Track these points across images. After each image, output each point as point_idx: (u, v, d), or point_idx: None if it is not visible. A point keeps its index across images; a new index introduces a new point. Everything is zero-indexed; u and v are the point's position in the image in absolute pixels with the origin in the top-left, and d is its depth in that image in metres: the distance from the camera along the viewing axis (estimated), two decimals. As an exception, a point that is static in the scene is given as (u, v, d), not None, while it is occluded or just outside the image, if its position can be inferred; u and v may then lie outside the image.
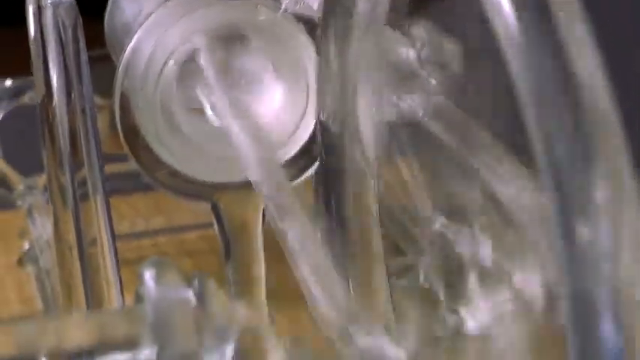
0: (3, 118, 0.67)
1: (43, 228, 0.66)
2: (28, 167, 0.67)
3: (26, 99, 0.66)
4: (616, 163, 0.23)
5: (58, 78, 0.44)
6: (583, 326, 0.23)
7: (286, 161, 0.47)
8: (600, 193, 0.23)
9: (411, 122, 0.40)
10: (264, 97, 0.46)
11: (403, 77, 0.41)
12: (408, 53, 0.41)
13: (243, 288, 0.48)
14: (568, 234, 0.23)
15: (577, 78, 0.24)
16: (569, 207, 0.23)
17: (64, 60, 0.43)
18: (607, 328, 0.23)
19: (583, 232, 0.23)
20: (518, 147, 0.34)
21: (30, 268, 0.68)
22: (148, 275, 0.34)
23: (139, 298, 0.34)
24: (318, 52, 0.44)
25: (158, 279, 0.34)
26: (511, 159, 0.36)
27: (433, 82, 0.40)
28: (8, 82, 0.66)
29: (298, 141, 0.47)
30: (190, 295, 0.34)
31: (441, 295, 0.37)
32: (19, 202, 0.69)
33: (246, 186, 0.43)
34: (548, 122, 0.24)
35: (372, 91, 0.41)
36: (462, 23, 0.36)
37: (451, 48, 0.41)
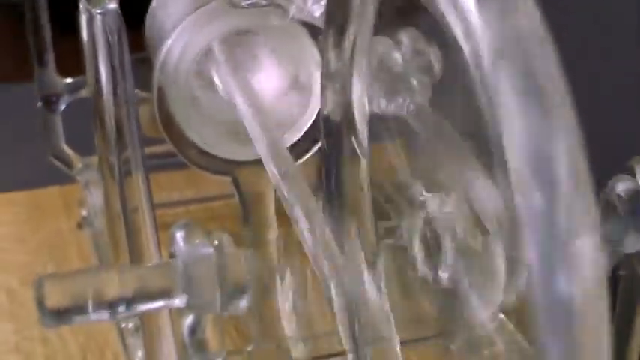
0: (65, 109, 0.67)
1: (97, 198, 0.66)
2: (86, 149, 0.66)
3: (82, 93, 0.65)
4: (570, 142, 0.23)
5: (106, 75, 0.43)
6: (541, 279, 0.22)
7: (292, 144, 0.47)
8: (555, 170, 0.22)
9: (398, 115, 0.40)
10: (274, 89, 0.46)
11: (391, 78, 0.40)
12: (395, 56, 0.40)
13: (258, 245, 0.47)
14: (528, 202, 0.22)
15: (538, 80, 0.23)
16: (529, 181, 0.22)
17: (111, 60, 0.42)
18: (560, 279, 0.22)
19: (540, 200, 0.22)
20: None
21: (87, 231, 0.68)
22: (178, 236, 0.34)
23: (171, 255, 0.34)
24: (320, 52, 0.44)
25: (186, 239, 0.34)
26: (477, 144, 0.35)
27: (415, 83, 0.40)
28: (68, 80, 0.66)
29: (302, 127, 0.46)
30: (213, 251, 0.33)
31: (418, 250, 0.36)
32: (78, 178, 0.69)
33: (261, 163, 0.43)
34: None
35: (364, 87, 0.40)
36: (444, 31, 0.35)
37: (433, 52, 0.41)
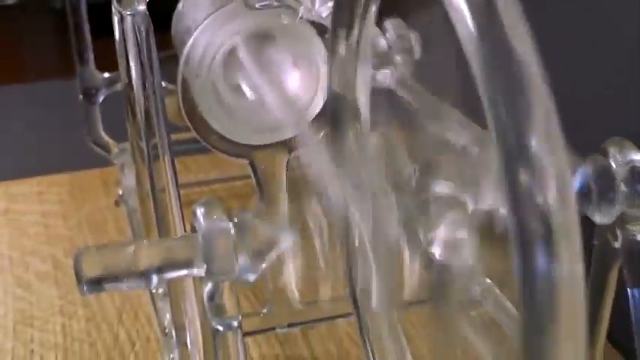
0: (103, 101, 0.67)
1: (131, 179, 0.66)
2: (121, 136, 0.66)
3: (118, 87, 0.66)
4: (548, 123, 0.22)
5: (135, 70, 0.43)
6: (523, 249, 0.22)
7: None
8: (536, 151, 0.22)
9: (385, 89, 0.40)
10: (286, 79, 0.45)
11: (379, 58, 0.40)
12: (382, 41, 0.40)
13: (272, 220, 0.46)
14: (511, 177, 0.22)
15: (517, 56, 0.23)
16: (512, 156, 0.22)
17: (140, 56, 0.42)
18: (540, 250, 0.22)
19: (523, 175, 0.22)
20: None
21: (123, 208, 0.68)
22: (199, 212, 0.33)
23: (192, 229, 0.33)
24: (326, 48, 0.44)
25: (207, 214, 0.33)
26: (458, 116, 0.35)
27: (399, 60, 0.39)
28: (106, 75, 0.66)
29: (313, 111, 0.46)
30: (231, 226, 0.33)
31: (415, 226, 0.35)
32: (115, 161, 0.69)
33: (274, 146, 0.44)
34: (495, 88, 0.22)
35: (367, 72, 0.40)
36: (422, 19, 0.35)
37: (413, 37, 0.41)
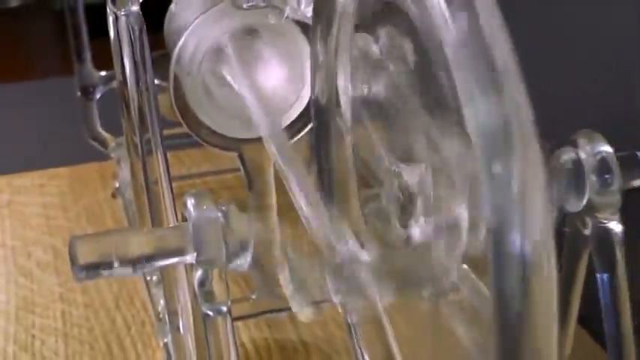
0: (100, 98, 0.66)
1: (127, 172, 0.65)
2: (118, 131, 0.66)
3: (114, 84, 0.65)
4: (522, 118, 0.22)
5: (129, 68, 0.42)
6: (498, 235, 0.22)
7: (288, 124, 0.46)
8: (510, 141, 0.22)
9: (376, 98, 0.39)
10: (272, 77, 0.45)
11: (371, 66, 0.39)
12: (374, 49, 0.40)
13: (260, 211, 0.47)
14: (488, 170, 0.22)
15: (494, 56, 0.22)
16: (488, 147, 0.22)
17: (134, 54, 0.42)
18: (515, 236, 0.22)
19: (497, 165, 0.22)
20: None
21: (120, 200, 0.67)
22: (189, 202, 0.33)
23: (183, 218, 0.33)
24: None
25: (196, 205, 0.33)
26: (444, 122, 0.34)
27: (392, 70, 0.39)
28: (103, 73, 0.66)
29: (297, 109, 0.46)
30: (219, 216, 0.33)
31: (396, 215, 0.35)
32: (112, 155, 0.69)
33: (262, 140, 0.42)
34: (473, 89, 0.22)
35: (347, 75, 0.40)
36: (414, 27, 0.35)
37: (405, 45, 0.40)
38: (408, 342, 0.44)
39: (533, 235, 0.22)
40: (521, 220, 0.22)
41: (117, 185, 0.68)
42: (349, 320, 0.44)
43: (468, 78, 0.22)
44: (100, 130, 0.68)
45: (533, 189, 0.22)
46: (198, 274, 0.33)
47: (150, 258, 0.32)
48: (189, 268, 0.34)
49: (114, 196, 0.69)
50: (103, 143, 0.68)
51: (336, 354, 0.52)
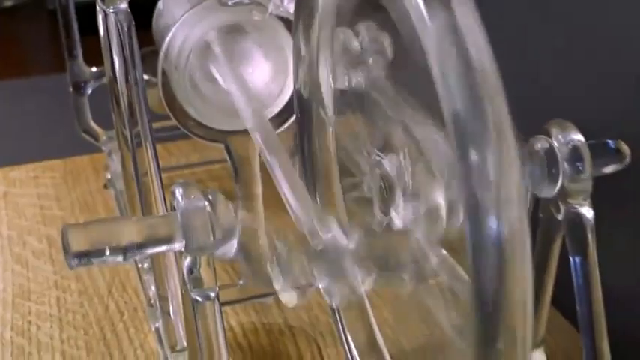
0: (91, 93, 0.66)
1: (118, 164, 0.65)
2: (109, 125, 0.66)
3: (105, 80, 0.65)
4: (498, 109, 0.22)
5: (119, 64, 0.42)
6: (475, 220, 0.22)
7: (273, 116, 0.46)
8: (486, 132, 0.22)
9: (356, 90, 0.39)
10: (256, 71, 0.45)
11: (352, 60, 0.39)
12: (354, 43, 0.39)
13: (247, 200, 0.46)
14: (464, 158, 0.22)
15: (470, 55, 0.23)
16: (466, 137, 0.22)
17: (123, 51, 0.42)
18: (491, 221, 0.22)
19: (474, 156, 0.22)
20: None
21: (111, 191, 0.67)
22: (178, 192, 0.33)
23: (172, 208, 0.33)
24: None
25: (184, 195, 0.33)
26: (422, 113, 0.34)
27: (371, 63, 0.38)
28: (94, 69, 0.65)
29: (281, 102, 0.46)
30: (206, 204, 0.32)
31: (377, 203, 0.35)
32: (103, 148, 0.68)
33: (248, 132, 0.42)
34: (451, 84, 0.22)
35: (328, 68, 0.39)
36: (393, 22, 0.34)
37: (384, 40, 0.40)
38: (389, 324, 0.44)
39: (509, 219, 0.22)
40: (497, 206, 0.22)
41: (108, 177, 0.68)
42: (333, 305, 0.44)
43: (445, 71, 0.22)
44: (92, 124, 0.68)
45: (508, 176, 0.22)
46: (187, 261, 0.33)
47: (140, 246, 0.32)
48: (179, 255, 0.34)
49: (106, 187, 0.69)
50: (95, 137, 0.68)
51: (321, 336, 0.51)
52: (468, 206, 0.22)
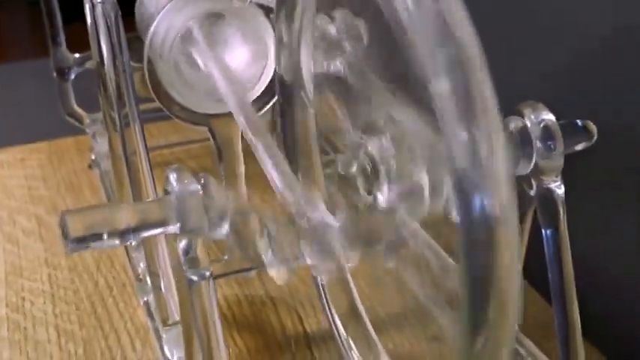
0: (74, 78, 0.65)
1: (102, 145, 0.65)
2: (92, 108, 0.65)
3: (87, 66, 0.64)
4: (482, 91, 0.22)
5: (107, 51, 0.41)
6: (463, 197, 0.21)
7: (255, 98, 0.45)
8: (475, 111, 0.21)
9: (336, 74, 0.38)
10: (237, 57, 0.44)
11: (329, 45, 0.38)
12: (330, 29, 0.38)
13: (230, 180, 0.46)
14: (453, 136, 0.21)
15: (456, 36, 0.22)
16: (455, 116, 0.21)
17: (111, 39, 0.41)
18: (478, 199, 0.21)
19: (463, 134, 0.21)
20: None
21: (95, 170, 0.66)
22: (171, 177, 0.32)
23: (166, 192, 0.32)
24: (274, 28, 0.42)
25: (178, 179, 0.32)
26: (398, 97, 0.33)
27: (348, 48, 0.38)
28: (76, 55, 0.64)
29: (261, 86, 0.45)
30: (199, 188, 0.31)
31: (360, 182, 0.34)
32: (87, 130, 0.67)
33: (230, 115, 0.41)
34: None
35: (309, 53, 0.39)
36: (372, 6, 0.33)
37: (360, 26, 0.39)
38: (369, 296, 0.43)
39: (500, 194, 0.21)
40: (485, 184, 0.21)
41: (92, 157, 0.67)
42: (319, 279, 0.43)
43: (434, 56, 0.22)
44: (76, 107, 0.66)
45: (496, 153, 0.21)
46: (183, 243, 0.32)
47: (136, 229, 0.31)
48: (171, 235, 0.33)
49: (90, 167, 0.68)
50: (79, 119, 0.67)
51: (301, 306, 0.51)
52: (457, 183, 0.21)
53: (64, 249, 0.30)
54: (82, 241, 0.30)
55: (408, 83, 0.31)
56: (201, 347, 0.33)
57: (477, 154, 0.21)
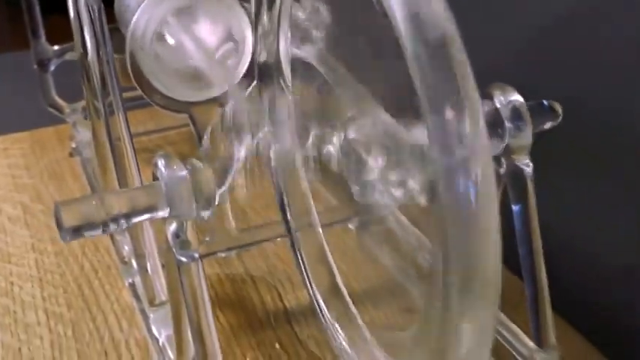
0: (54, 69, 0.64)
1: (82, 134, 0.64)
2: (71, 98, 0.64)
3: (67, 57, 0.63)
4: (464, 74, 0.22)
5: (90, 42, 0.41)
6: (450, 173, 0.22)
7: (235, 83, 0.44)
8: (458, 93, 0.22)
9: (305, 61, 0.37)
10: (217, 44, 0.43)
11: (300, 33, 0.37)
12: (299, 15, 0.38)
13: (210, 163, 0.44)
14: (439, 116, 0.22)
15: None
16: (440, 101, 0.22)
17: (94, 30, 0.40)
18: (462, 171, 0.22)
19: (449, 114, 0.21)
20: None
21: (77, 158, 0.65)
22: (160, 163, 0.31)
23: (155, 178, 0.31)
24: (250, 18, 0.42)
25: (166, 165, 0.31)
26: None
27: (317, 34, 0.37)
28: (56, 47, 0.63)
29: (240, 71, 0.44)
30: (187, 174, 0.31)
31: (346, 172, 0.33)
32: (67, 119, 0.66)
33: (208, 102, 0.42)
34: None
35: (287, 40, 0.38)
36: None
37: (324, 10, 0.39)
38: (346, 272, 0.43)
39: (482, 168, 0.22)
40: (465, 164, 0.21)
41: (73, 145, 0.66)
42: (298, 252, 0.42)
43: (416, 45, 0.22)
44: (56, 97, 0.65)
45: (477, 131, 0.22)
46: (172, 226, 0.31)
47: (126, 216, 0.31)
48: (160, 220, 0.33)
49: (71, 155, 0.67)
50: (59, 109, 0.66)
51: (280, 283, 0.50)
52: (441, 158, 0.21)
53: (61, 240, 0.30)
54: (77, 230, 0.30)
55: (382, 70, 0.31)
56: (191, 325, 0.33)
57: (461, 135, 0.21)
